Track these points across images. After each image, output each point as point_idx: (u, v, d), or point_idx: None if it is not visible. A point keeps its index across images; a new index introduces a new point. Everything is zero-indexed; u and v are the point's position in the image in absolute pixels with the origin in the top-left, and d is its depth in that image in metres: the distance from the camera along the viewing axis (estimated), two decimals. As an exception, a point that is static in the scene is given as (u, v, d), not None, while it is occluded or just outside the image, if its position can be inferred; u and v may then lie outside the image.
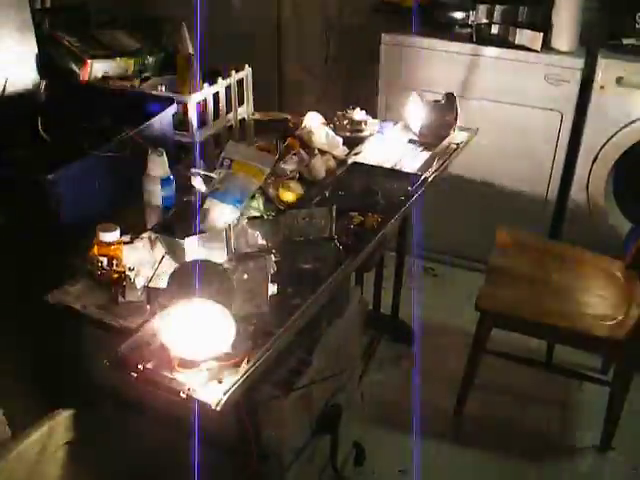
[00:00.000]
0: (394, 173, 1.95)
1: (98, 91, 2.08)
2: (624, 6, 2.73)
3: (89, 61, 2.11)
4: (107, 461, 1.52)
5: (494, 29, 2.74)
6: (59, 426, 1.47)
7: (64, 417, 1.48)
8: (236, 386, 1.15)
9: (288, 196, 1.73)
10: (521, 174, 2.85)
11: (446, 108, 2.18)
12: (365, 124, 2.18)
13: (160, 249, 1.48)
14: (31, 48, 1.99)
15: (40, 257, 1.51)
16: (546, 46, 2.67)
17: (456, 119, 2.18)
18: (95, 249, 1.43)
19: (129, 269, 1.43)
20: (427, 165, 2.01)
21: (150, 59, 2.27)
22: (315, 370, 1.53)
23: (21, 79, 1.95)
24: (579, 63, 2.61)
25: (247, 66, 2.23)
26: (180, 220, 1.53)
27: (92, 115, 1.85)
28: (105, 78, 2.15)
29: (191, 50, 2.07)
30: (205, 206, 1.54)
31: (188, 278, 1.26)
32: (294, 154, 1.86)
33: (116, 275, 1.42)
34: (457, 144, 2.15)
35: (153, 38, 2.36)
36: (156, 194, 1.58)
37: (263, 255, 1.39)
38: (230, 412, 1.32)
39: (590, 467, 2.15)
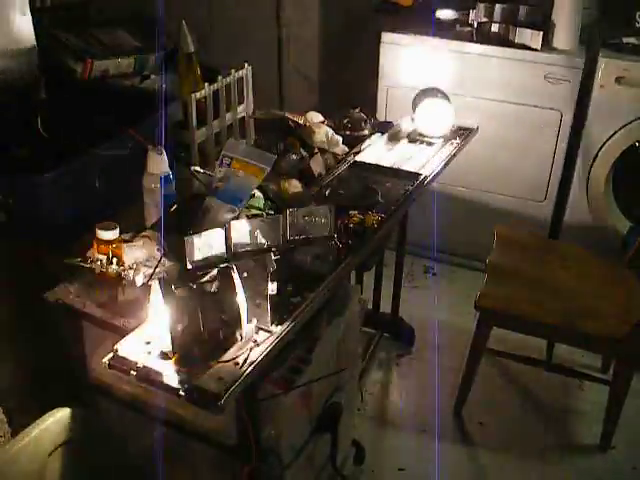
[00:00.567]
0: (394, 172, 1.95)
1: (98, 90, 2.08)
2: (624, 5, 2.74)
3: (89, 60, 2.11)
4: (104, 460, 1.52)
5: (494, 28, 2.75)
6: (57, 425, 1.47)
7: (62, 415, 1.48)
8: (236, 384, 1.15)
9: (291, 189, 1.73)
10: (521, 173, 2.86)
11: (445, 107, 2.19)
12: (365, 123, 2.17)
13: (160, 247, 1.48)
14: (31, 47, 1.98)
15: (39, 255, 1.51)
16: (546, 45, 2.68)
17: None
18: (95, 247, 1.43)
19: (129, 267, 1.43)
20: (427, 164, 2.01)
21: (150, 58, 2.27)
22: (315, 369, 1.53)
23: (21, 78, 1.95)
24: (579, 62, 2.61)
25: (247, 65, 2.24)
26: (180, 218, 1.53)
27: (92, 114, 1.85)
28: (105, 77, 2.15)
29: (192, 49, 2.07)
30: (205, 205, 1.54)
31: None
32: (294, 153, 1.86)
33: (116, 273, 1.42)
34: (457, 143, 2.15)
35: (153, 37, 2.36)
36: (156, 192, 1.58)
37: (263, 254, 1.39)
38: (230, 410, 1.32)
39: (590, 466, 2.15)
